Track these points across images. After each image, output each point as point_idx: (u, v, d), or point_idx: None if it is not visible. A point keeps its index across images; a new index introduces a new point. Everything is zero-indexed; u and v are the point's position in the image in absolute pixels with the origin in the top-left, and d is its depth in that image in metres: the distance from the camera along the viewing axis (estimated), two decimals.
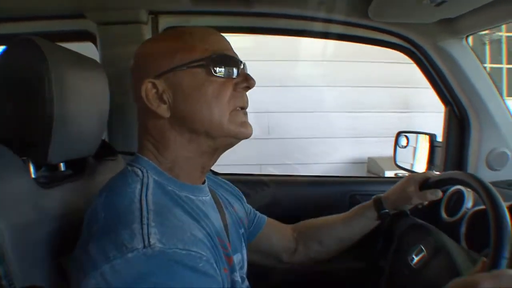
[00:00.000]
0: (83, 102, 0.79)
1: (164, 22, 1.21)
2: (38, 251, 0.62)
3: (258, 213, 1.04)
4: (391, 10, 1.07)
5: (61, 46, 0.79)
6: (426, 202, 1.03)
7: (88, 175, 0.86)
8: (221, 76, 0.67)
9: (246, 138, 0.71)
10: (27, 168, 0.71)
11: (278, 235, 1.06)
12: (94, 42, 1.19)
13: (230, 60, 0.68)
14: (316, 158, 4.27)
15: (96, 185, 0.84)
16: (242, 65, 0.71)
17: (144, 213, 0.57)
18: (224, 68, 0.67)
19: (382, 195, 1.07)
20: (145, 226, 0.55)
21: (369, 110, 4.33)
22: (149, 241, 0.53)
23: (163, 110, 0.67)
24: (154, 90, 0.67)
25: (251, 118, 0.72)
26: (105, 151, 1.00)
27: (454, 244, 0.90)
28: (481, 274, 0.63)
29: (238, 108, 0.69)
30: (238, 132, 0.69)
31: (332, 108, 4.26)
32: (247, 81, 0.69)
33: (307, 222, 1.11)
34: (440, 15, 1.10)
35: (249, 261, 0.89)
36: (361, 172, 4.40)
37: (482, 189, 0.79)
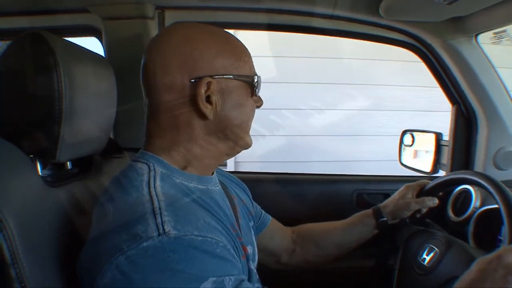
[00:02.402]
0: (92, 99, 0.78)
1: (171, 17, 1.19)
2: (48, 252, 0.60)
3: (263, 211, 1.05)
4: (403, 8, 1.05)
5: (68, 40, 0.77)
6: (424, 210, 1.04)
7: (95, 173, 0.85)
8: (255, 96, 0.74)
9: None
10: (35, 166, 0.70)
11: (279, 235, 1.07)
12: (99, 37, 1.17)
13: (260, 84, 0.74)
14: None
15: (103, 183, 0.83)
16: None
17: (155, 203, 0.56)
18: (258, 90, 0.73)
19: (380, 204, 1.08)
20: (158, 216, 0.54)
21: None
22: (163, 229, 0.52)
23: (209, 111, 0.66)
24: (205, 89, 0.65)
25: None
26: (111, 148, 0.99)
27: (462, 241, 0.91)
28: (504, 248, 0.66)
29: None
30: (251, 143, 0.75)
31: None
32: (260, 102, 0.76)
33: (307, 225, 1.12)
34: (450, 13, 1.08)
35: None
36: None
37: (481, 179, 0.82)
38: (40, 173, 0.71)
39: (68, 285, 0.61)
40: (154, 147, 0.69)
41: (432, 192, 1.03)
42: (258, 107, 0.76)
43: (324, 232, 1.09)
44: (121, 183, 0.64)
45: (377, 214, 1.05)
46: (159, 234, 0.52)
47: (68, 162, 0.81)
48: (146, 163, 0.66)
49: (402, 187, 1.07)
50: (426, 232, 0.99)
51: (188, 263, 0.51)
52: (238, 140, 0.72)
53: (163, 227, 0.53)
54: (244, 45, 0.73)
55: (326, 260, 1.10)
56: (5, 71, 0.69)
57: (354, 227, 1.07)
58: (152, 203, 0.56)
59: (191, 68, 0.65)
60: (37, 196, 0.64)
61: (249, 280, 0.69)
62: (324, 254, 1.08)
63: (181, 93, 0.66)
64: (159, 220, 0.54)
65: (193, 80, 0.65)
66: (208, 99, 0.66)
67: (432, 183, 1.03)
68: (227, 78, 0.67)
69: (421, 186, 1.05)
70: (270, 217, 1.06)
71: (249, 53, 0.73)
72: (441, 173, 1.39)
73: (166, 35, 0.70)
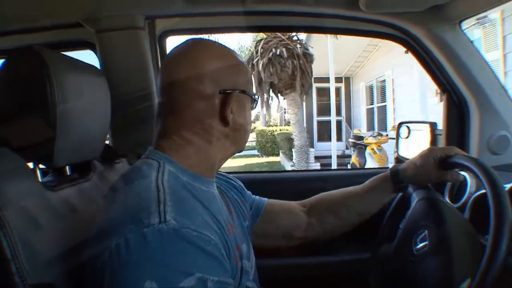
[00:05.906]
0: (85, 107, 0.81)
1: (161, 26, 1.23)
2: (48, 251, 0.63)
3: (257, 197, 1.06)
4: (381, 0, 1.07)
5: (61, 53, 0.81)
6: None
7: (94, 177, 0.88)
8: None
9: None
10: (35, 173, 0.74)
11: (283, 213, 1.07)
12: (94, 50, 1.21)
13: None
14: None
15: (102, 187, 0.86)
16: None
17: (161, 193, 0.61)
18: None
19: (399, 166, 1.03)
20: (161, 204, 0.59)
21: None
22: (165, 217, 0.57)
23: (231, 119, 0.76)
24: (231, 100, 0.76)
25: None
26: (110, 155, 1.02)
27: (459, 231, 0.86)
28: None
29: None
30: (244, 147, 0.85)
31: None
32: None
33: (320, 196, 1.11)
34: (431, 1, 1.09)
35: (261, 247, 0.94)
36: None
37: (471, 163, 0.81)
38: (40, 179, 0.75)
39: (66, 282, 0.64)
40: (164, 147, 0.75)
41: (457, 166, 0.92)
42: None
43: (342, 201, 1.07)
44: (132, 174, 0.70)
45: (395, 178, 1.02)
46: (159, 222, 0.56)
47: (67, 168, 0.85)
48: (156, 160, 0.71)
49: (426, 151, 0.99)
50: (435, 209, 0.91)
51: (180, 256, 0.56)
52: (241, 144, 0.83)
53: (164, 215, 0.57)
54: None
55: (343, 229, 1.08)
56: (2, 84, 0.74)
57: (373, 193, 1.05)
58: (158, 193, 0.61)
59: (220, 80, 0.75)
60: (38, 199, 0.68)
61: (241, 277, 0.73)
62: (343, 223, 1.07)
63: (210, 100, 0.74)
64: (162, 208, 0.58)
65: (222, 91, 0.75)
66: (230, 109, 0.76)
67: (459, 160, 0.89)
68: (243, 92, 0.78)
69: (447, 154, 0.94)
70: (266, 200, 1.06)
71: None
72: None
73: (193, 48, 0.80)
